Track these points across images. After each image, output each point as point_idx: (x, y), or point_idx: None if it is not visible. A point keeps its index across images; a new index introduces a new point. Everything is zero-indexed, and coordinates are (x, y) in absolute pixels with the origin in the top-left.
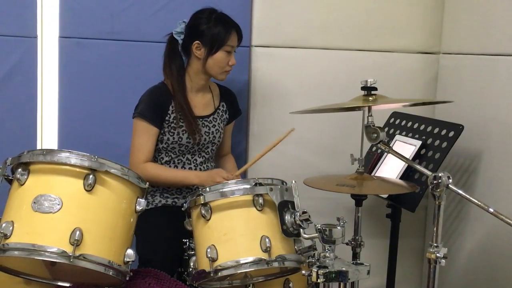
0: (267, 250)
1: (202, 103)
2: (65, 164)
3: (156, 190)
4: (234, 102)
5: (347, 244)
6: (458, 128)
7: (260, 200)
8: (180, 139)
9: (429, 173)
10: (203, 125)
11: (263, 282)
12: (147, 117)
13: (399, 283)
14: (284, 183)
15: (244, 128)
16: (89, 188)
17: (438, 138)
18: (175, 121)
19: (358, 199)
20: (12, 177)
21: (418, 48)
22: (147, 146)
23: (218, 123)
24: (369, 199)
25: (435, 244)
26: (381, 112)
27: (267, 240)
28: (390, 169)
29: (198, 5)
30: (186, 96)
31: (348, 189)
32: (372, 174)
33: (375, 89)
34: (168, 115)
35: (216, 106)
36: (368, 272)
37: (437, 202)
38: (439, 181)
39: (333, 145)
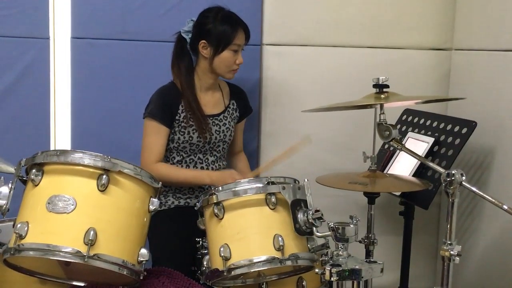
0: (280, 248)
1: (211, 101)
2: (79, 164)
3: (169, 191)
4: (244, 100)
5: (360, 242)
6: (471, 125)
7: (273, 199)
8: (190, 138)
9: (442, 170)
10: (213, 123)
11: (276, 280)
12: (157, 117)
13: (412, 281)
14: (297, 182)
15: (256, 126)
16: (103, 188)
17: (451, 135)
18: (185, 121)
19: (371, 197)
20: (27, 177)
21: (430, 44)
22: (158, 146)
23: (229, 122)
24: (382, 196)
25: (449, 242)
26: (393, 109)
27: (280, 238)
28: (403, 166)
29: (209, 4)
30: (195, 95)
31: (360, 187)
32: (385, 171)
33: (387, 86)
34: (178, 115)
35: (226, 104)
36: (382, 270)
37: (450, 200)
38: (453, 178)
39: (345, 143)
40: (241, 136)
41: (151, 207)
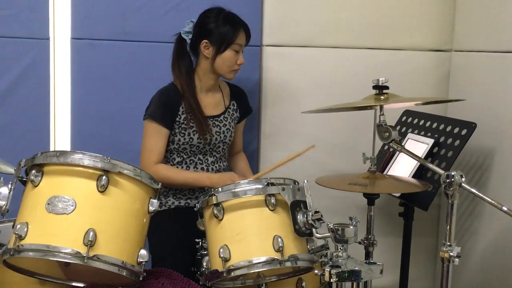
0: (279, 249)
1: (212, 102)
2: (79, 165)
3: (169, 191)
4: (245, 101)
5: (359, 243)
6: (470, 126)
7: (272, 200)
8: (191, 140)
9: (441, 171)
10: (214, 124)
11: (276, 281)
12: (158, 119)
13: (412, 282)
14: (296, 183)
15: (255, 127)
16: (102, 189)
17: (450, 136)
18: (185, 122)
19: (371, 198)
20: (26, 178)
21: (430, 45)
22: (158, 148)
23: (229, 122)
24: (382, 198)
25: (449, 243)
26: (393, 110)
27: (279, 239)
28: (403, 167)
29: (209, 4)
30: (195, 96)
31: (360, 188)
32: (384, 172)
33: (387, 87)
34: (179, 116)
35: (226, 105)
36: (381, 272)
37: (450, 201)
38: (452, 179)
39: (345, 144)
40: (241, 137)
41: (151, 208)
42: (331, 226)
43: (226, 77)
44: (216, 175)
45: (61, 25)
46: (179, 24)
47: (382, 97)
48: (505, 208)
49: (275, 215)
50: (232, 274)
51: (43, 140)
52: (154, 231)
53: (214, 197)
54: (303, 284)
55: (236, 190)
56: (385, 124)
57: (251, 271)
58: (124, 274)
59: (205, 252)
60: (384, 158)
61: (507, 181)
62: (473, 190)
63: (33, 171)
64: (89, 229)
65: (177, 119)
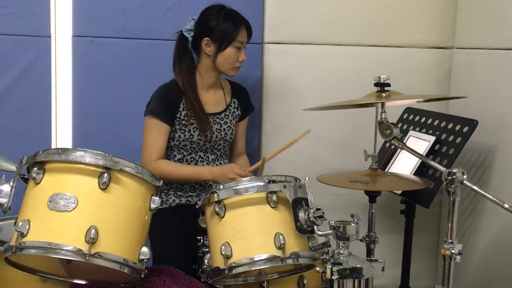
0: (281, 247)
1: (213, 100)
2: (80, 163)
3: (170, 189)
4: (246, 98)
5: (361, 240)
6: (472, 124)
7: (274, 197)
8: (191, 136)
9: (443, 169)
10: (215, 122)
11: (277, 279)
12: (158, 115)
13: (413, 279)
14: (298, 180)
15: (257, 125)
16: (104, 187)
17: (452, 133)
18: (186, 118)
19: (372, 196)
20: (28, 176)
21: (432, 43)
22: (159, 144)
23: (230, 120)
24: (383, 195)
25: (450, 240)
26: (394, 107)
27: (281, 237)
28: (404, 165)
29: (210, 2)
30: (196, 93)
31: (361, 185)
32: (386, 170)
33: (388, 85)
34: (179, 112)
35: (227, 102)
36: (383, 269)
37: (451, 198)
38: (454, 177)
39: (346, 142)
40: (243, 137)
41: (152, 205)
42: (333, 224)
43: (227, 75)
44: (217, 168)
45: (62, 23)
46: (180, 21)
47: (383, 94)
48: (506, 206)
49: (277, 213)
50: (234, 271)
51: (44, 137)
52: (155, 228)
53: (215, 195)
54: (305, 281)
55: (238, 187)
56: (387, 122)
57: (253, 269)
58: (126, 271)
59: (207, 250)
60: (385, 156)
61: (509, 179)
62: (475, 188)
63: (35, 169)
64: (90, 226)
65: (178, 115)
